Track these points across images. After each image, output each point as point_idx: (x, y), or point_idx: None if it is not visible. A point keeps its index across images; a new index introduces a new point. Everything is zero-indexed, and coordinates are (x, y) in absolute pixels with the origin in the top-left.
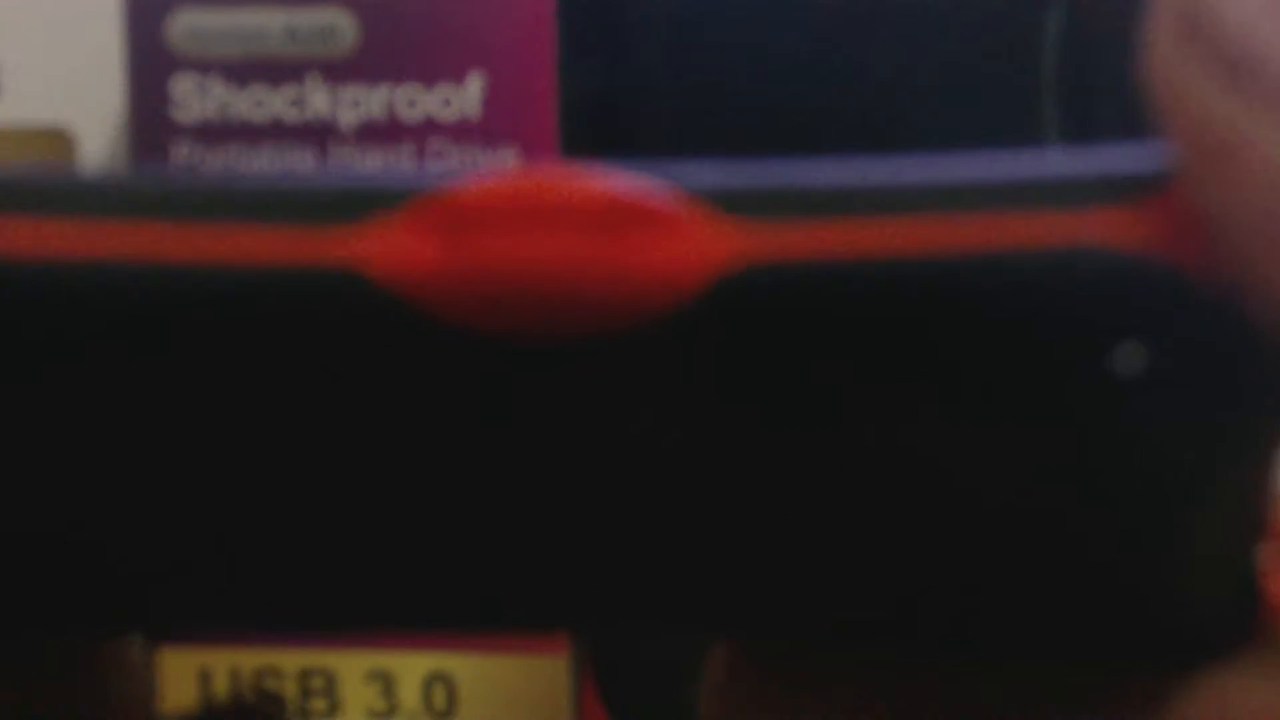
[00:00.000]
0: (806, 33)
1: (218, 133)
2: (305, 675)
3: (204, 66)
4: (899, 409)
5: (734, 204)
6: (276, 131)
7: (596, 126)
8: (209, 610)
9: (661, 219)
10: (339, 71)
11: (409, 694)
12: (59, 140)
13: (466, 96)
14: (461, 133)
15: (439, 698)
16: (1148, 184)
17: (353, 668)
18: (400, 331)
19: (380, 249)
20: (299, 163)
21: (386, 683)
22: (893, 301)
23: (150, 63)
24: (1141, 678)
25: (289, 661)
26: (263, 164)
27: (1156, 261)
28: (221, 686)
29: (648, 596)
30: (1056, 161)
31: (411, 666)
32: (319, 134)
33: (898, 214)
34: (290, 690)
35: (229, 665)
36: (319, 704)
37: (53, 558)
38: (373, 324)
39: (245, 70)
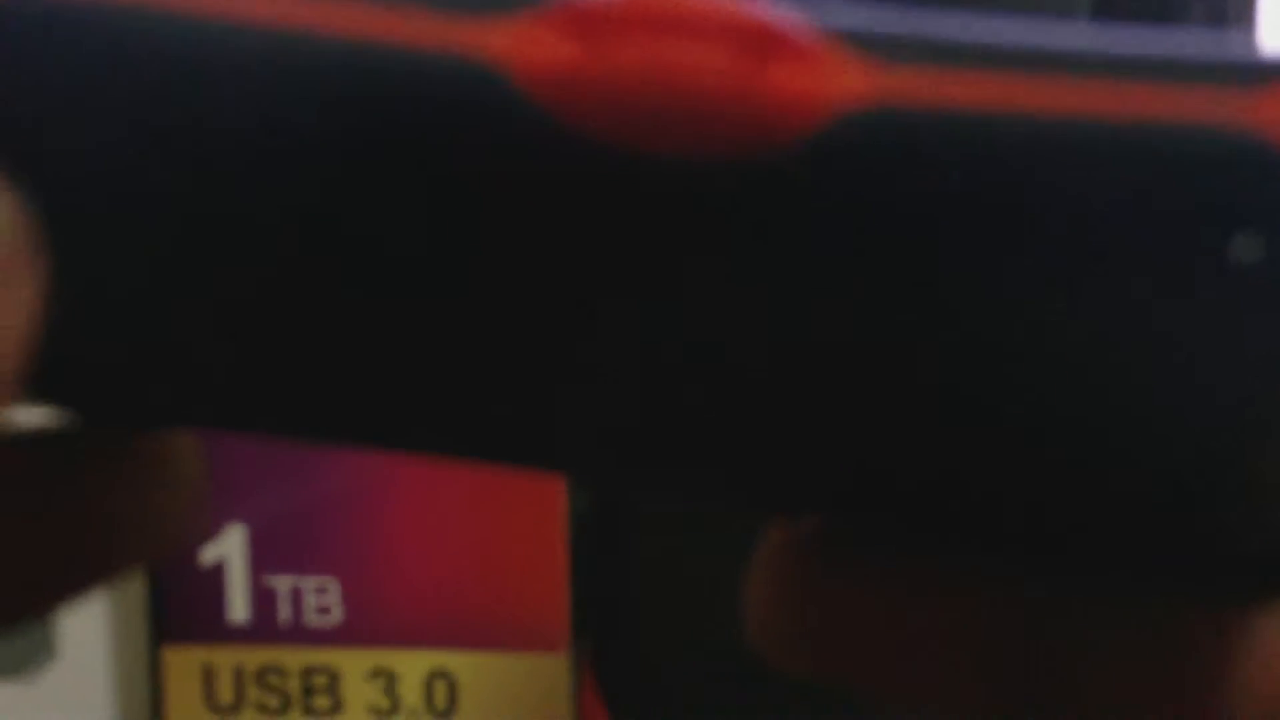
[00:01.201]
0: None
1: None
2: (308, 673)
3: None
4: (1011, 273)
5: (874, 45)
6: None
7: None
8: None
9: (802, 48)
10: None
11: (411, 691)
12: None
13: None
14: None
15: (440, 695)
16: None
17: (355, 665)
18: (531, 132)
19: (521, 45)
20: None
21: (388, 680)
22: (1026, 159)
23: None
24: (1195, 612)
25: (292, 659)
26: None
27: None
28: (225, 684)
29: (734, 448)
30: (1202, 44)
31: (413, 664)
32: None
33: (1043, 73)
34: (293, 688)
35: (233, 663)
36: (322, 701)
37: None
38: (504, 121)
39: None
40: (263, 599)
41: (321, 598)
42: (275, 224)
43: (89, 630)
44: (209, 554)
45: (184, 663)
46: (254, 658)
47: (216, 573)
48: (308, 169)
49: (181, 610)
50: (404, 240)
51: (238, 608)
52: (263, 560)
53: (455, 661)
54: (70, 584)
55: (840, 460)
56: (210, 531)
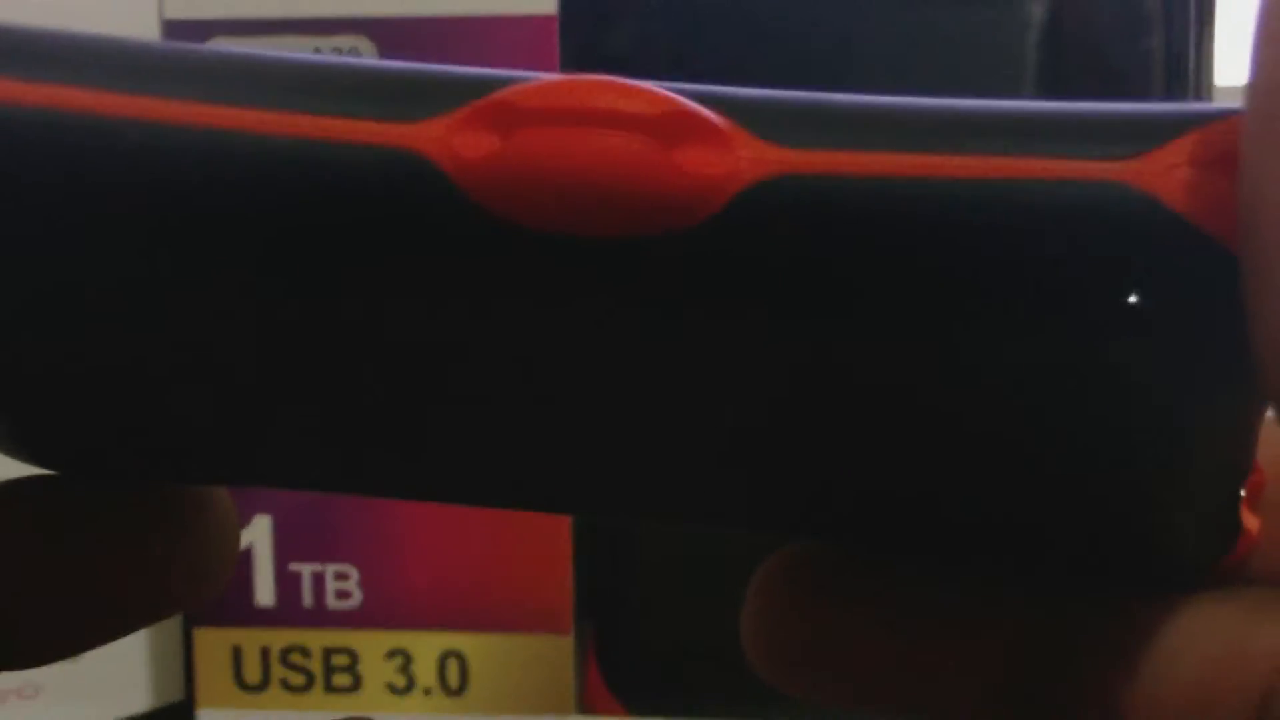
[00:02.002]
0: (798, 13)
1: None
2: (329, 653)
3: None
4: (915, 322)
5: (773, 122)
6: None
7: None
8: (250, 468)
9: (706, 129)
10: None
11: (425, 670)
12: None
13: None
14: None
15: (452, 673)
16: (1171, 131)
17: (373, 646)
18: (459, 217)
19: (447, 139)
20: None
21: (404, 660)
22: (918, 220)
23: None
24: (1125, 608)
25: (314, 640)
26: None
27: (1167, 210)
28: (253, 663)
29: (691, 494)
30: (1087, 107)
31: (427, 645)
32: None
33: (929, 146)
34: (316, 667)
35: (259, 643)
36: (342, 680)
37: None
38: (434, 208)
39: None
40: (287, 584)
41: (342, 583)
42: (232, 301)
43: None
44: None
45: (214, 643)
46: (279, 639)
47: (244, 559)
48: (249, 255)
49: None
50: (338, 322)
51: (264, 592)
52: (287, 548)
53: (466, 642)
54: (105, 628)
55: (783, 492)
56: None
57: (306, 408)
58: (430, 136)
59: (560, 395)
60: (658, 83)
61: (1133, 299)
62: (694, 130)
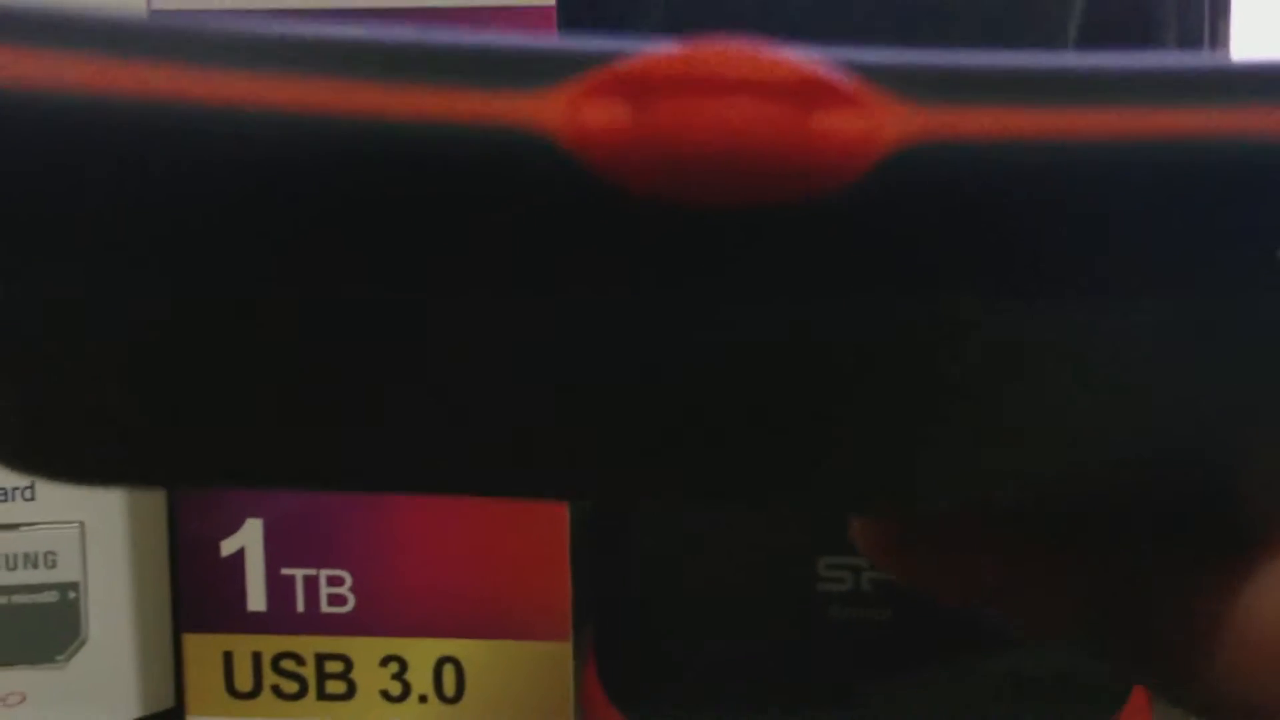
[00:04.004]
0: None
1: None
2: (322, 659)
3: None
4: (1059, 288)
5: (912, 84)
6: None
7: None
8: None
9: (844, 94)
10: None
11: (420, 677)
12: None
13: None
14: None
15: (449, 681)
16: None
17: (367, 652)
18: (582, 197)
19: (570, 114)
20: None
21: (399, 667)
22: (1060, 184)
23: None
24: (1202, 565)
25: (307, 646)
26: None
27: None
28: (244, 669)
29: (796, 471)
30: (1230, 59)
31: (422, 652)
32: None
33: (1075, 101)
34: (309, 674)
35: (251, 649)
36: (336, 686)
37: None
38: (554, 189)
39: None
40: (280, 589)
41: (335, 588)
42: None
43: (116, 619)
44: (229, 546)
45: (205, 649)
46: (271, 645)
47: (236, 564)
48: (374, 240)
49: (202, 600)
50: (468, 307)
51: (256, 597)
52: (279, 553)
53: (463, 649)
54: None
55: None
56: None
57: (423, 405)
58: (552, 110)
59: (691, 374)
60: (788, 46)
61: None
62: (832, 95)
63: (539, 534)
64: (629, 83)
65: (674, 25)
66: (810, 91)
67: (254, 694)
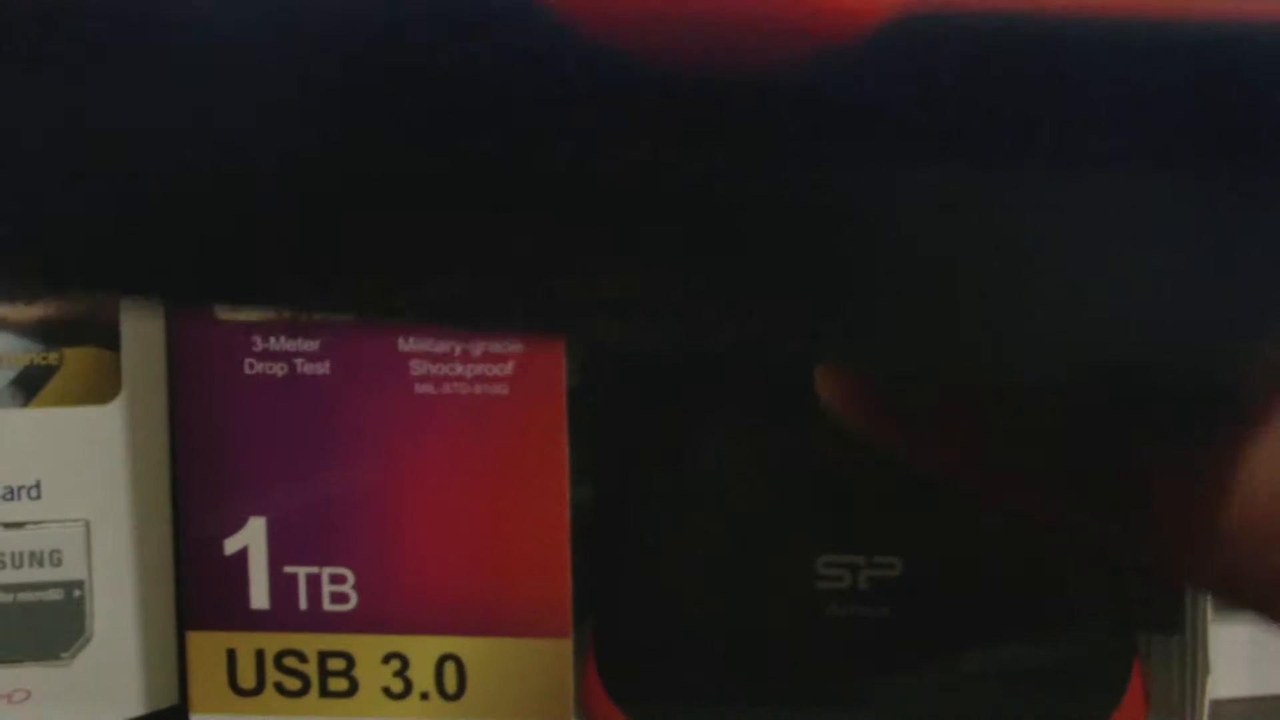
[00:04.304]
0: None
1: None
2: (325, 657)
3: None
4: (1049, 157)
5: None
6: None
7: None
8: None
9: None
10: None
11: (422, 674)
12: None
13: None
14: None
15: (450, 678)
16: None
17: (370, 650)
18: (572, 56)
19: None
20: None
21: (401, 664)
22: (1065, 52)
23: None
24: (1196, 443)
25: (310, 644)
26: None
27: None
28: (247, 666)
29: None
30: None
31: (424, 649)
32: None
33: None
34: (311, 671)
35: (254, 647)
36: (338, 684)
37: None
38: (542, 48)
39: None
40: (282, 587)
41: (338, 586)
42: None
43: (120, 616)
44: (232, 545)
45: (208, 647)
46: (274, 642)
47: (239, 563)
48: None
49: (206, 597)
50: (447, 159)
51: (259, 595)
52: (282, 551)
53: (464, 646)
54: None
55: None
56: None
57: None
58: None
59: (690, 228)
60: None
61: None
62: None
63: (539, 532)
64: None
65: None
66: None
67: (257, 691)
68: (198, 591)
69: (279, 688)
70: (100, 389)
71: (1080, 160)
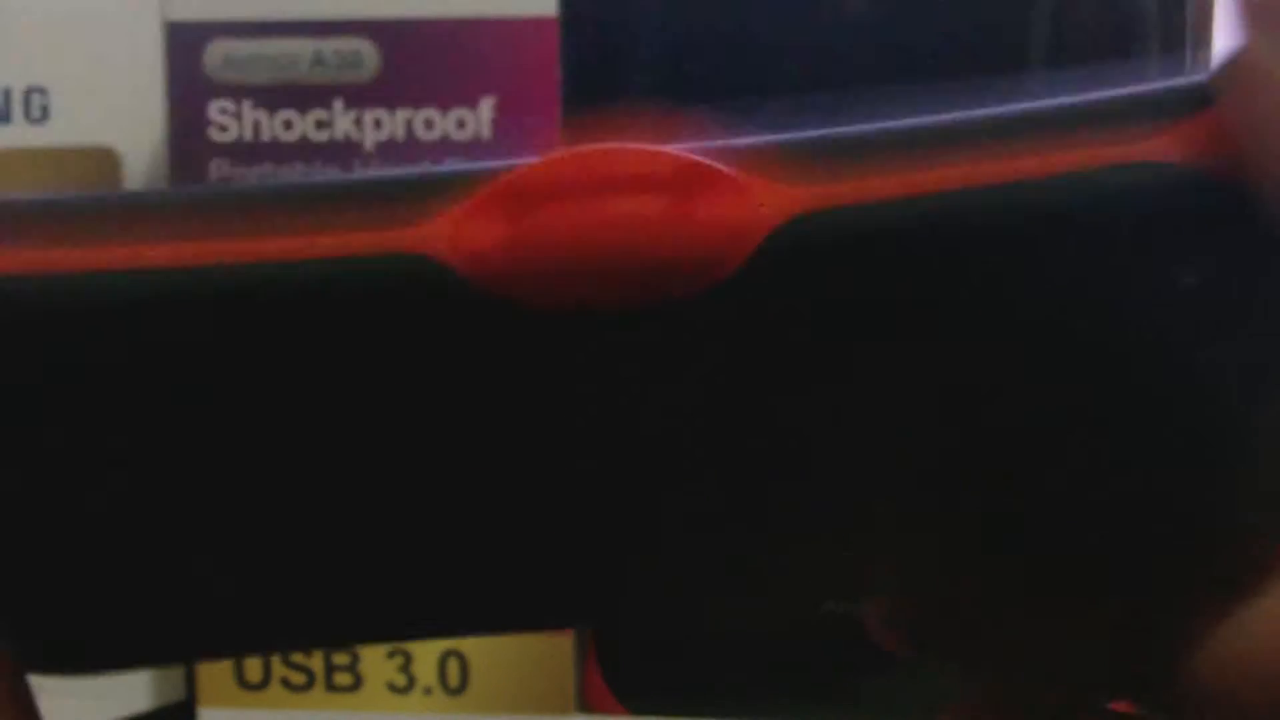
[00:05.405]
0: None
1: (250, 152)
2: (330, 653)
3: (238, 91)
4: (958, 333)
5: (788, 159)
6: (304, 151)
7: None
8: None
9: (722, 179)
10: (362, 96)
11: (425, 669)
12: (105, 159)
13: (479, 119)
14: (474, 152)
15: (453, 673)
16: (1189, 102)
17: (374, 646)
18: (472, 313)
19: (452, 235)
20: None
21: (405, 660)
22: (942, 235)
23: (189, 88)
24: (1208, 595)
25: None
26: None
27: (1204, 173)
28: (254, 662)
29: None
30: (1096, 90)
31: (428, 645)
32: (344, 153)
33: (943, 152)
34: (317, 667)
35: None
36: (343, 678)
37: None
38: (444, 307)
39: (276, 95)
40: None
41: None
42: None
43: None
44: None
45: None
46: None
47: None
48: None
49: None
50: (365, 439)
51: None
52: None
53: (467, 642)
54: None
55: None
56: None
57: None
58: (436, 234)
59: (593, 479)
60: (658, 144)
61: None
62: (709, 184)
63: None
64: (506, 197)
65: (675, 38)
66: (689, 181)
67: (263, 685)
68: None
69: (285, 682)
70: None
71: (977, 328)
